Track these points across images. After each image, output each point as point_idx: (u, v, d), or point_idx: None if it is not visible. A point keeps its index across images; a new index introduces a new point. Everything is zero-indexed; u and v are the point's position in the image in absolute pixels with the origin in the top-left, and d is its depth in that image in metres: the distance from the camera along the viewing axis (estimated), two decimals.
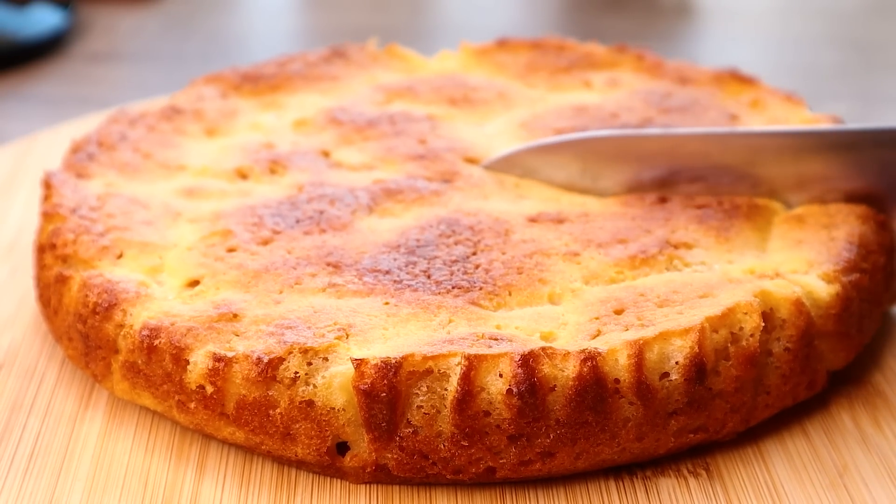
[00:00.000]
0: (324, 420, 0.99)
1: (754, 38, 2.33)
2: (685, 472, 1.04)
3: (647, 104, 1.45)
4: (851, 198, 1.21)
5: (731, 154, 1.22)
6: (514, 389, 0.96)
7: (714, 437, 1.05)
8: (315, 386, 1.00)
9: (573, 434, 0.99)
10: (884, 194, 1.21)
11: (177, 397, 1.03)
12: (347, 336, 1.03)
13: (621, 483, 1.03)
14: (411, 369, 0.98)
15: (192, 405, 1.03)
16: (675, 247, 1.15)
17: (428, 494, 1.02)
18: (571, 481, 1.03)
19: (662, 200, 1.24)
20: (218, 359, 1.01)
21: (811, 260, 1.13)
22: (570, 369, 0.97)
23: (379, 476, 1.01)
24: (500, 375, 0.97)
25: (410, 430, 0.98)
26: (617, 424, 1.00)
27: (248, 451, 1.06)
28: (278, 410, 1.00)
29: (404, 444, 0.99)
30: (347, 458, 1.01)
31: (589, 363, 0.97)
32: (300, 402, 0.99)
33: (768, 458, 1.06)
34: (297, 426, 1.00)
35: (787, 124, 1.38)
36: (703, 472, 1.04)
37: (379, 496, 1.02)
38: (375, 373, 0.97)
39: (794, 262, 1.13)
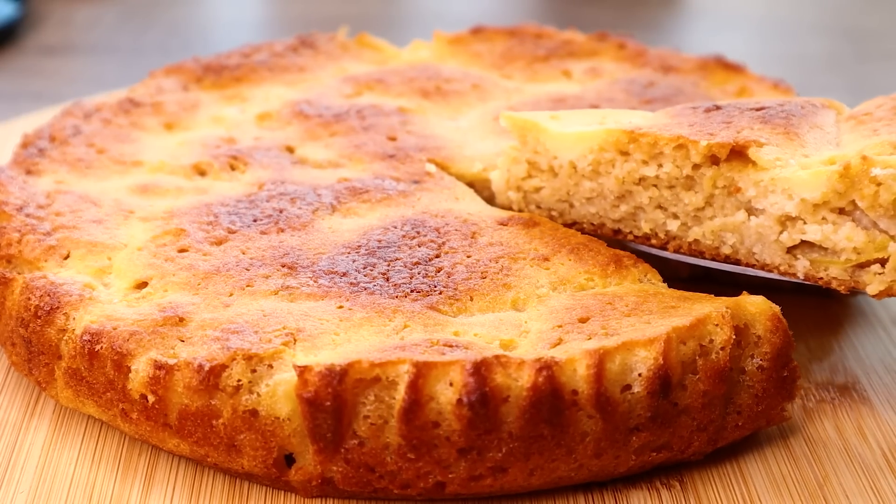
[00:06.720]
0: (268, 431, 0.95)
1: (742, 27, 2.27)
2: (658, 484, 0.99)
3: (628, 94, 1.39)
4: None
5: None
6: (465, 399, 0.91)
7: (679, 457, 0.99)
8: (259, 395, 0.95)
9: (527, 448, 0.93)
10: None
11: (120, 406, 0.99)
12: (295, 341, 0.98)
13: (590, 496, 0.98)
14: (358, 377, 0.93)
15: (135, 415, 0.98)
16: (745, 146, 1.03)
17: None
18: (538, 496, 0.98)
19: (716, 108, 1.13)
20: (159, 366, 0.96)
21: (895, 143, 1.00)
22: (525, 379, 0.92)
23: (326, 490, 0.96)
24: (451, 384, 0.92)
25: (356, 442, 0.93)
26: (574, 439, 0.94)
27: (197, 462, 1.01)
28: (221, 420, 0.95)
29: (350, 456, 0.94)
30: (293, 470, 0.96)
31: (545, 373, 0.91)
32: (244, 412, 0.95)
33: (745, 470, 1.00)
34: (242, 437, 0.95)
35: None
36: (677, 484, 0.99)
37: None
38: (319, 381, 0.92)
39: (877, 147, 1.00)
